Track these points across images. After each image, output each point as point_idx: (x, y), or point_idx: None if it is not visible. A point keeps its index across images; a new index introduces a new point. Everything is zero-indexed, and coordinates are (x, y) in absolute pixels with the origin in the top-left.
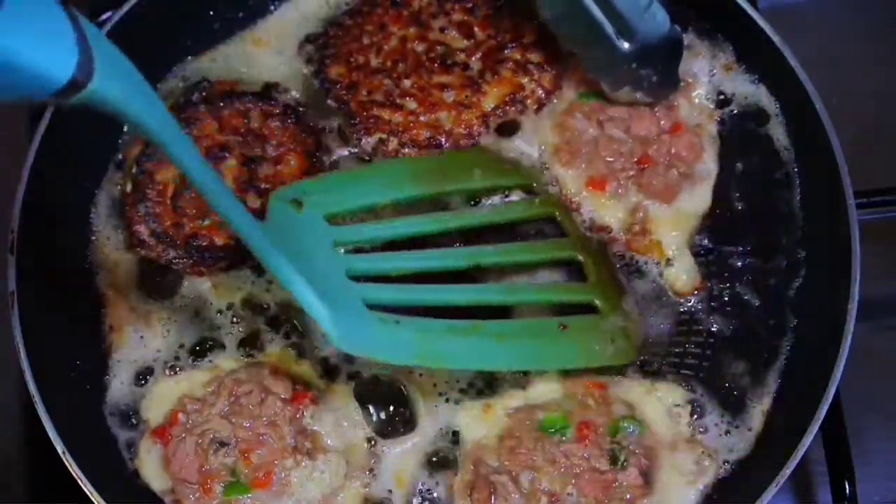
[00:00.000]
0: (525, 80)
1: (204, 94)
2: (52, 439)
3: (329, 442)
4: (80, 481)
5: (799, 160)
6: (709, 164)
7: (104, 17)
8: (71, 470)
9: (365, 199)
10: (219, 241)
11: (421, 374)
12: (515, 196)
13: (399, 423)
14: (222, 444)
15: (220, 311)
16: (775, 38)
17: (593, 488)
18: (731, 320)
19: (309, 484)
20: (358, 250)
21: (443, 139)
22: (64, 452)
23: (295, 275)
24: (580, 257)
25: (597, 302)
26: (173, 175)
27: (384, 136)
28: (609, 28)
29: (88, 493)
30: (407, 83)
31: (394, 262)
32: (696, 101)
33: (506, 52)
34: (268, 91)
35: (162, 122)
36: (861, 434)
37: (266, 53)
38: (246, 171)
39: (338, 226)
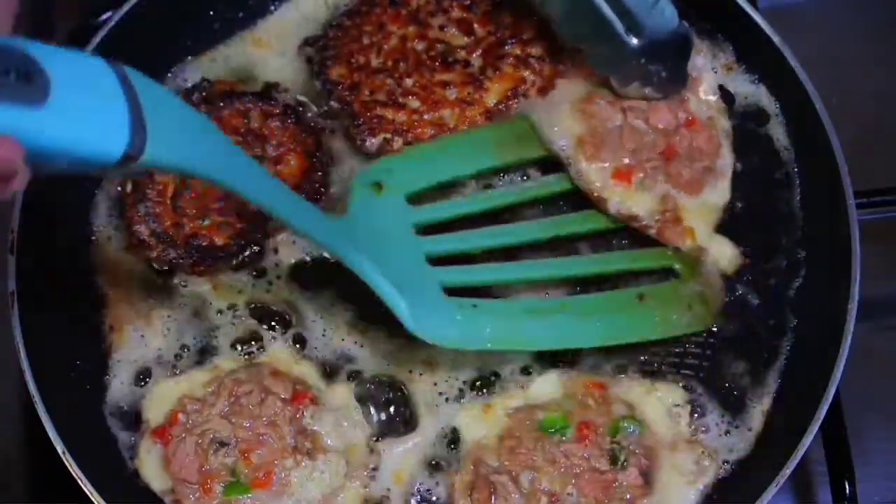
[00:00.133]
0: (526, 74)
1: (204, 94)
2: (52, 439)
3: (329, 442)
4: (80, 481)
5: (799, 160)
6: (727, 159)
7: (104, 17)
8: (71, 470)
9: (448, 173)
10: (219, 241)
11: (421, 374)
12: None
13: (399, 423)
14: (222, 444)
15: (220, 311)
16: (775, 38)
17: (593, 488)
18: (731, 320)
19: (309, 484)
20: (436, 231)
21: None
22: (64, 452)
23: (369, 266)
24: None
25: (677, 266)
26: (173, 175)
27: (388, 135)
28: (617, 24)
29: (88, 493)
30: (409, 82)
31: (474, 241)
32: (703, 95)
33: (506, 47)
34: (268, 91)
35: (228, 170)
36: (861, 434)
37: (266, 54)
38: None
39: (418, 206)
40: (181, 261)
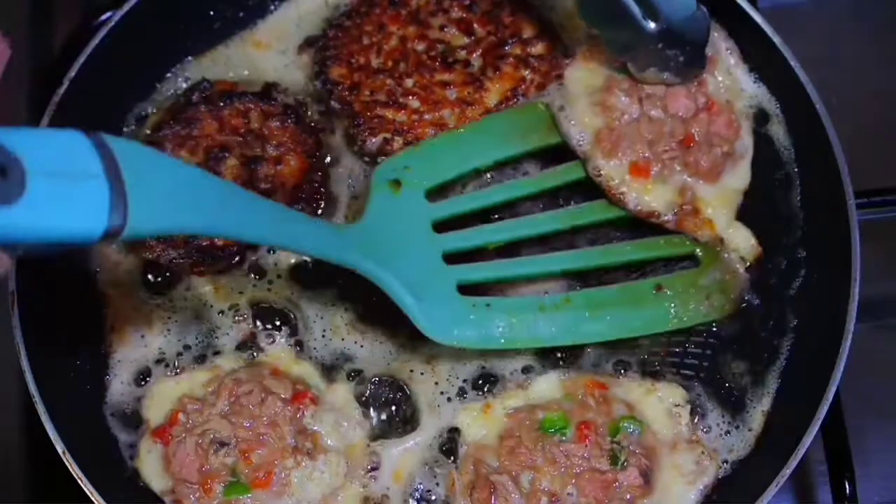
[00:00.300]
0: (527, 73)
1: (204, 94)
2: (52, 439)
3: (329, 442)
4: (80, 481)
5: (799, 160)
6: (746, 141)
7: (104, 17)
8: (71, 470)
9: (469, 164)
10: (219, 241)
11: (422, 374)
12: None
13: (399, 422)
14: (222, 444)
15: (220, 312)
16: (775, 38)
17: (593, 488)
18: (731, 320)
19: (309, 484)
20: (451, 225)
21: None
22: (64, 452)
23: (385, 274)
24: None
25: (698, 252)
26: None
27: (389, 135)
28: (635, 9)
29: (88, 493)
30: (409, 82)
31: (493, 235)
32: (720, 77)
33: (506, 47)
34: (268, 91)
35: (225, 218)
36: (861, 434)
37: (266, 54)
38: (246, 171)
39: (436, 203)
40: (181, 261)
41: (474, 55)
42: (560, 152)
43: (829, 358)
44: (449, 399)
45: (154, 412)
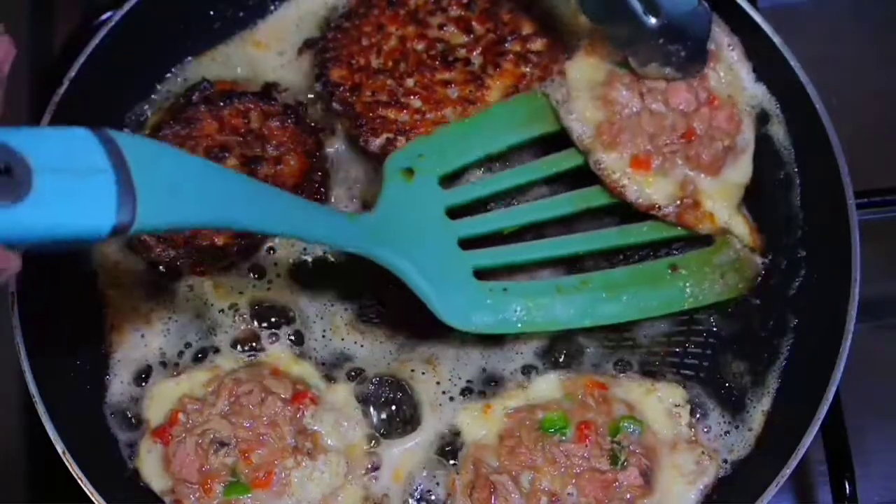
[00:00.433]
0: (527, 70)
1: (204, 94)
2: (52, 439)
3: (329, 442)
4: (80, 481)
5: (799, 160)
6: (747, 135)
7: (104, 17)
8: (71, 470)
9: (481, 150)
10: (219, 241)
11: (423, 373)
12: None
13: (399, 422)
14: (222, 444)
15: (220, 311)
16: (775, 38)
17: (593, 488)
18: (731, 320)
19: (309, 484)
20: (463, 211)
21: None
22: (64, 452)
23: (401, 262)
24: None
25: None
26: None
27: (391, 135)
28: (636, 4)
29: (88, 493)
30: (410, 82)
31: (508, 220)
32: (722, 72)
33: (506, 44)
34: (268, 91)
35: (235, 210)
36: (861, 434)
37: (266, 53)
38: (246, 171)
39: (450, 189)
40: (181, 261)
41: (474, 53)
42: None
43: (829, 358)
44: (451, 398)
45: (154, 412)
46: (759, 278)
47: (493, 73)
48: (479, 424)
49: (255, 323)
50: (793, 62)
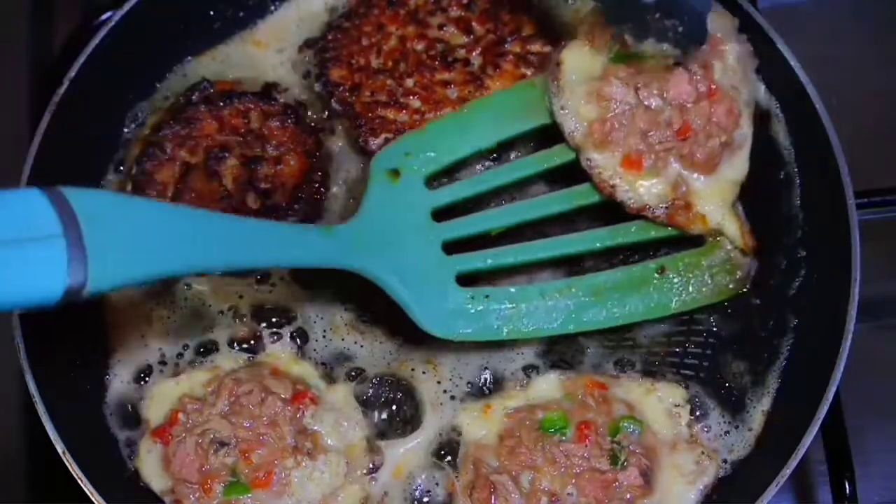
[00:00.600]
0: (528, 72)
1: (204, 94)
2: (52, 439)
3: (329, 442)
4: (80, 481)
5: (799, 160)
6: (745, 130)
7: (104, 17)
8: (71, 470)
9: (469, 147)
10: None
11: (424, 373)
12: None
13: (399, 422)
14: (222, 444)
15: (220, 311)
16: (775, 39)
17: (593, 488)
18: (731, 320)
19: (309, 484)
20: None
21: None
22: (64, 452)
23: (380, 271)
24: None
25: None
26: (173, 175)
27: (391, 135)
28: None
29: (88, 493)
30: (409, 82)
31: (493, 221)
32: (730, 61)
33: (506, 45)
34: (268, 91)
35: (204, 252)
36: (861, 434)
37: (266, 53)
38: (246, 171)
39: (436, 190)
40: None
41: (474, 54)
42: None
43: (829, 358)
44: (452, 398)
45: (154, 412)
46: (750, 279)
47: (493, 74)
48: (479, 424)
49: (255, 323)
50: (793, 62)
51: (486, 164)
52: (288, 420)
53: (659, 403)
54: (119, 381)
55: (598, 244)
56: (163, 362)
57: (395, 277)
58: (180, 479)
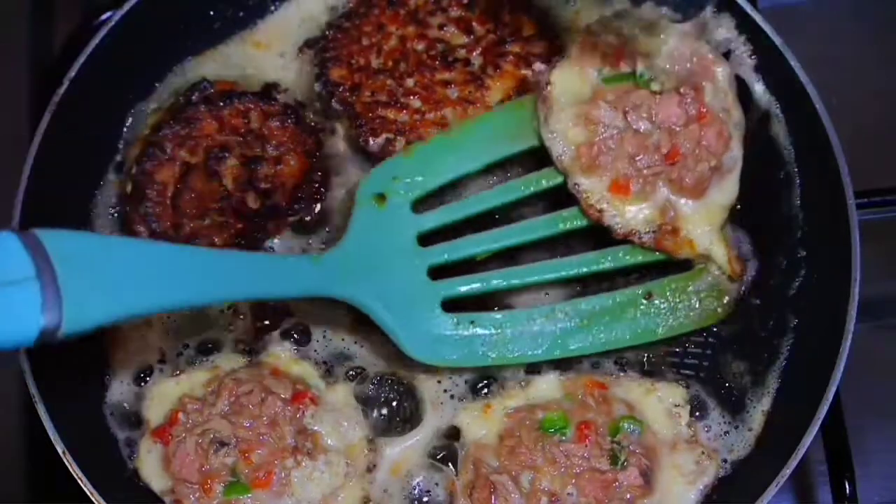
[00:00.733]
0: (528, 73)
1: (204, 94)
2: (52, 439)
3: (329, 442)
4: (80, 481)
5: (799, 160)
6: (735, 153)
7: (104, 17)
8: (71, 470)
9: (456, 171)
10: (219, 241)
11: (424, 372)
12: None
13: (399, 421)
14: (222, 443)
15: (221, 311)
16: (775, 38)
17: (593, 488)
18: (731, 320)
19: (309, 484)
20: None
21: None
22: (64, 452)
23: (363, 297)
24: None
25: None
26: (173, 175)
27: (391, 135)
28: None
29: (88, 493)
30: (410, 82)
31: (479, 245)
32: (721, 82)
33: (506, 45)
34: (268, 91)
35: (184, 288)
36: (861, 434)
37: (266, 53)
38: (246, 171)
39: (422, 214)
40: None
41: (474, 54)
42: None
43: (829, 358)
44: (452, 397)
45: (154, 412)
46: (736, 304)
47: (493, 74)
48: (479, 424)
49: (256, 323)
50: (793, 62)
51: (474, 186)
52: (288, 420)
53: (659, 403)
54: (119, 380)
55: (584, 269)
56: (163, 362)
57: (379, 303)
58: (180, 479)
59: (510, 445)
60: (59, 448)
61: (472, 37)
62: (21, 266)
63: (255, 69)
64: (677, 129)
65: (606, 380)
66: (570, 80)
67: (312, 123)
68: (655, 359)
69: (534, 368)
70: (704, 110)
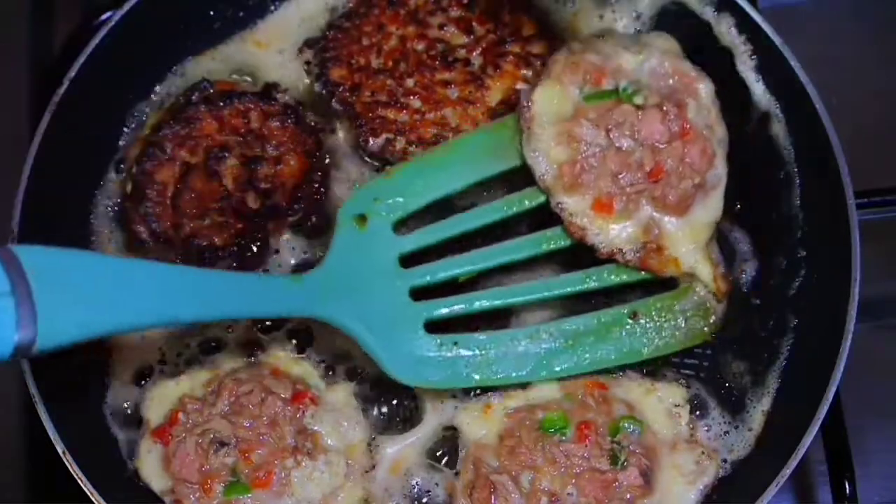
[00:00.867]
0: (528, 73)
1: (204, 94)
2: (52, 439)
3: (329, 442)
4: (80, 481)
5: (799, 160)
6: (719, 170)
7: (104, 17)
8: (71, 470)
9: (439, 189)
10: (218, 241)
11: None
12: None
13: (399, 421)
14: (222, 443)
15: None
16: (775, 38)
17: (593, 488)
18: (732, 320)
19: (309, 484)
20: (421, 261)
21: (450, 136)
22: (64, 452)
23: (347, 319)
24: None
25: (678, 274)
26: (173, 175)
27: (391, 135)
28: None
29: (88, 493)
30: (410, 82)
31: (460, 267)
32: (704, 98)
33: (506, 45)
34: (268, 91)
35: (153, 312)
36: (861, 434)
37: (266, 53)
38: (246, 171)
39: (403, 235)
40: (179, 261)
41: (474, 54)
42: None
43: (829, 358)
44: (453, 396)
45: (154, 412)
46: (723, 322)
47: (493, 74)
48: (479, 424)
49: (256, 323)
50: (793, 62)
51: (459, 203)
52: (288, 420)
53: (659, 403)
54: (119, 381)
55: (569, 289)
56: (163, 362)
57: (361, 324)
58: (180, 479)
59: (510, 445)
60: (59, 448)
61: (472, 37)
62: None
63: (255, 69)
64: (660, 146)
65: (606, 380)
66: (551, 98)
67: (312, 123)
68: (655, 358)
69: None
70: (688, 126)
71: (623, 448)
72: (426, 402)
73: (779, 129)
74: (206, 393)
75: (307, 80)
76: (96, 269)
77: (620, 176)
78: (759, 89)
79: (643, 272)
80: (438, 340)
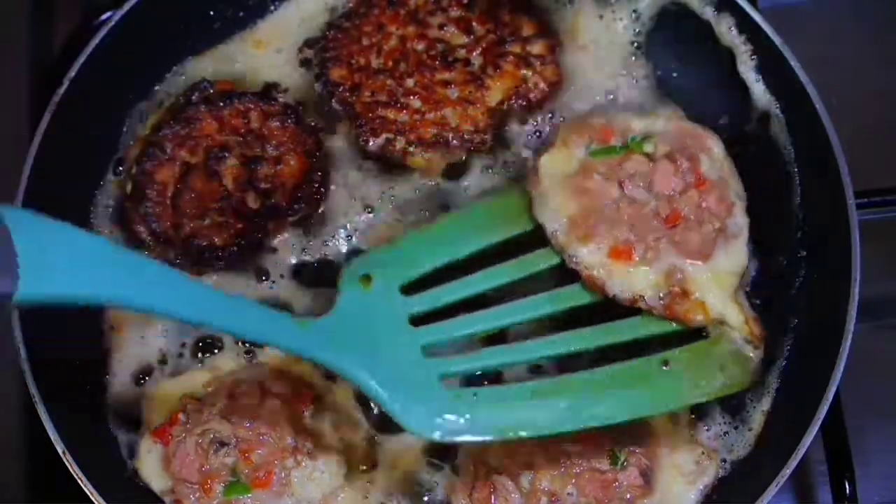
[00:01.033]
0: (528, 73)
1: (204, 94)
2: (52, 439)
3: (329, 442)
4: (80, 481)
5: (799, 160)
6: (739, 220)
7: (104, 17)
8: (71, 470)
9: (441, 257)
10: (219, 241)
11: None
12: None
13: None
14: (222, 444)
15: None
16: (775, 38)
17: (593, 488)
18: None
19: (309, 484)
20: (434, 318)
21: (450, 136)
22: (64, 452)
23: (356, 369)
24: None
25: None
26: (173, 175)
27: (391, 135)
28: None
29: (88, 493)
30: (410, 82)
31: (474, 326)
32: (716, 153)
33: (506, 45)
34: (268, 91)
35: (152, 294)
36: (861, 434)
37: (266, 53)
38: (246, 171)
39: (412, 296)
40: (180, 261)
41: (474, 54)
42: (540, 236)
43: (829, 358)
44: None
45: (154, 412)
46: (762, 370)
47: (493, 74)
48: None
49: None
50: (793, 62)
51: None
52: (288, 420)
53: None
54: (119, 381)
55: (593, 343)
56: (163, 362)
57: (372, 380)
58: (180, 479)
59: (510, 445)
60: (59, 448)
61: (472, 37)
62: None
63: (255, 69)
64: (676, 195)
65: None
66: (557, 161)
67: (312, 123)
68: None
69: (537, 368)
70: (702, 178)
71: (623, 448)
72: None
73: (779, 129)
74: (206, 393)
75: (307, 80)
76: (75, 239)
77: (636, 224)
78: (759, 89)
79: (672, 323)
80: (456, 393)
